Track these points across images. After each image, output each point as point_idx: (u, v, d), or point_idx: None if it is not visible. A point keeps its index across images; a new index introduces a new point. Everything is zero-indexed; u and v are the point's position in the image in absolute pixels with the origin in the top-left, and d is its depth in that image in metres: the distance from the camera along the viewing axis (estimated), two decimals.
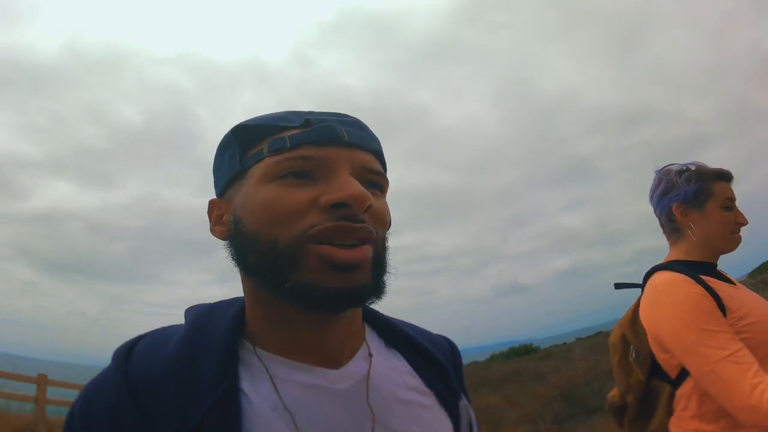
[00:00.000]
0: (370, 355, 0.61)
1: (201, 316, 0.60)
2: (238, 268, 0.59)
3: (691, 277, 1.20)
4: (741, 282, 1.36)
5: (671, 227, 1.36)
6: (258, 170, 0.55)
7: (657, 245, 1.47)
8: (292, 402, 0.53)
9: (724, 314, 1.16)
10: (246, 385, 0.53)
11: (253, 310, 0.59)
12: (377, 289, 0.54)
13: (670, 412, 1.24)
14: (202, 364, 0.53)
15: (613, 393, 1.41)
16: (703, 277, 1.21)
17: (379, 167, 0.58)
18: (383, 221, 0.57)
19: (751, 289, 1.32)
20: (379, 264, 0.55)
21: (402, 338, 0.67)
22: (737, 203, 1.34)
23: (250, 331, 0.58)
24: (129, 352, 0.55)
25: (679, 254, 1.34)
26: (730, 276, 1.36)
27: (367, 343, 0.63)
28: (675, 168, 1.37)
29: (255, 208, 0.54)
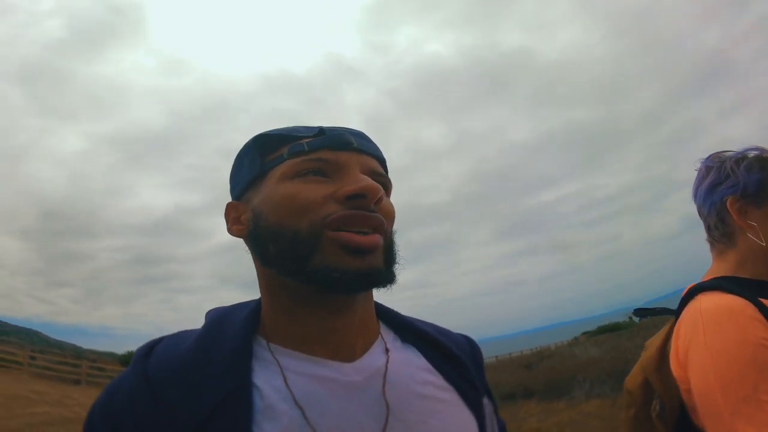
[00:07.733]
0: (387, 350, 0.63)
1: (218, 316, 0.64)
2: (256, 262, 0.64)
3: (752, 302, 0.82)
4: None
5: (722, 230, 0.96)
6: (278, 171, 0.61)
7: None
8: (303, 395, 0.55)
9: None
10: (258, 379, 0.56)
11: (268, 304, 0.63)
12: (389, 275, 0.59)
13: None
14: (216, 359, 0.56)
15: None
16: (766, 303, 0.83)
17: (382, 170, 0.65)
18: (390, 216, 0.63)
19: None
20: (389, 253, 0.60)
21: (418, 335, 0.68)
22: None
23: (264, 328, 0.62)
24: (150, 351, 0.59)
25: (726, 268, 0.95)
26: None
27: (383, 338, 0.65)
28: (730, 155, 0.99)
29: (277, 201, 0.59)
